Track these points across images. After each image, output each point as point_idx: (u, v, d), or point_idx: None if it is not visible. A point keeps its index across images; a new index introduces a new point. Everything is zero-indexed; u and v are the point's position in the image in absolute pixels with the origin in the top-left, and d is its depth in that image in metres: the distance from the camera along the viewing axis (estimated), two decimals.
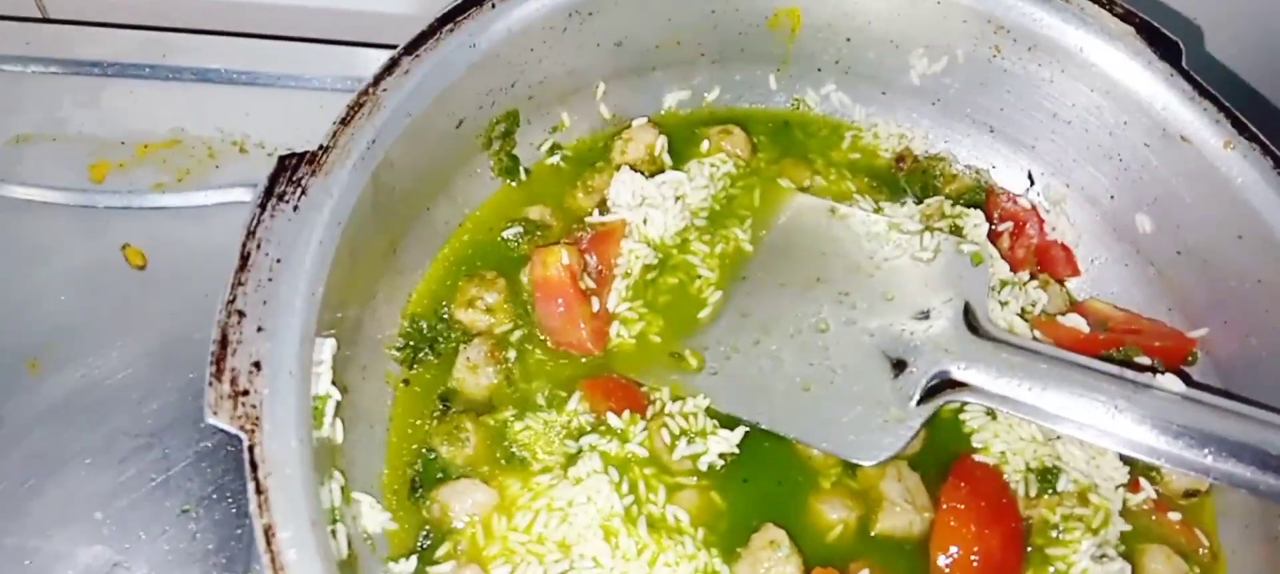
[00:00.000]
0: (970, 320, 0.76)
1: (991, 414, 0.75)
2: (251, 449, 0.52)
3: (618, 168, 0.84)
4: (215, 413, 0.52)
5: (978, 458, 0.73)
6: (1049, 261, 0.87)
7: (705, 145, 0.87)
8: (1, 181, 0.90)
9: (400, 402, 0.73)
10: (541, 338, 0.77)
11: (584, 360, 0.76)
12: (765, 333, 0.76)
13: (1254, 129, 0.76)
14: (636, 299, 0.78)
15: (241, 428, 0.52)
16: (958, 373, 0.74)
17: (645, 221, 0.79)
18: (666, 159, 0.85)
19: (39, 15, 1.03)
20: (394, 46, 0.99)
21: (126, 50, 0.98)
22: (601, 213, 0.82)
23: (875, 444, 0.71)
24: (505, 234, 0.81)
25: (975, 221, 0.83)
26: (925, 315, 0.77)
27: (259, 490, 0.51)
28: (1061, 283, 0.85)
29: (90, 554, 0.77)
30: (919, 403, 0.73)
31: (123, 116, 0.95)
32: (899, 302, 0.78)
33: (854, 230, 0.82)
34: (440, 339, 0.76)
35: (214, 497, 0.80)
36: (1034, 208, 0.87)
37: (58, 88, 0.96)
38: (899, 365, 0.75)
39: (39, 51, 0.98)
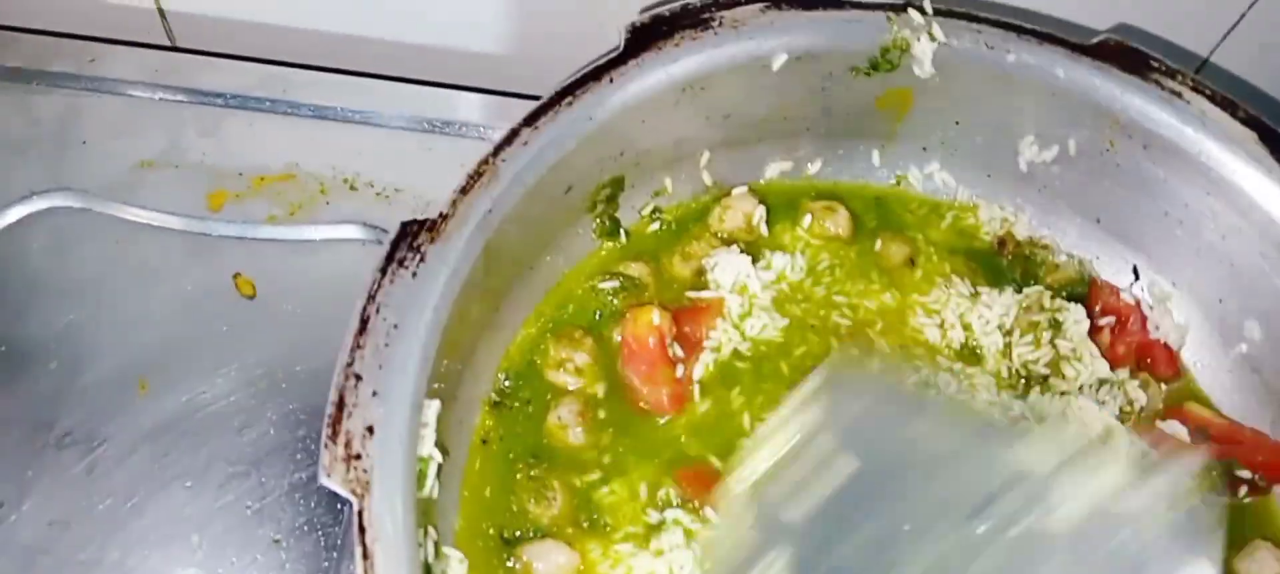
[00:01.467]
0: None
1: None
2: (360, 513, 0.53)
3: (716, 236, 0.85)
4: (329, 475, 0.54)
5: None
6: (1151, 361, 0.85)
7: (807, 220, 0.87)
8: (124, 204, 0.94)
9: (478, 455, 0.74)
10: (624, 396, 0.78)
11: (662, 421, 0.77)
12: None
13: None
14: (719, 377, 0.79)
15: (352, 491, 0.54)
16: None
17: (743, 314, 0.80)
18: (763, 230, 0.86)
19: (168, 43, 1.07)
20: (494, 92, 1.04)
21: (248, 83, 1.02)
22: (697, 284, 0.83)
23: None
24: (602, 286, 0.82)
25: (1076, 318, 0.81)
26: None
27: (366, 556, 0.53)
28: (1162, 384, 0.84)
29: None
30: None
31: (241, 148, 0.99)
32: None
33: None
34: (532, 395, 0.78)
35: (304, 529, 0.83)
36: (1138, 303, 0.86)
37: (182, 116, 1.00)
38: None
39: (166, 79, 1.02)
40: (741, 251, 0.84)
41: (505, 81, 1.05)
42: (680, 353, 0.79)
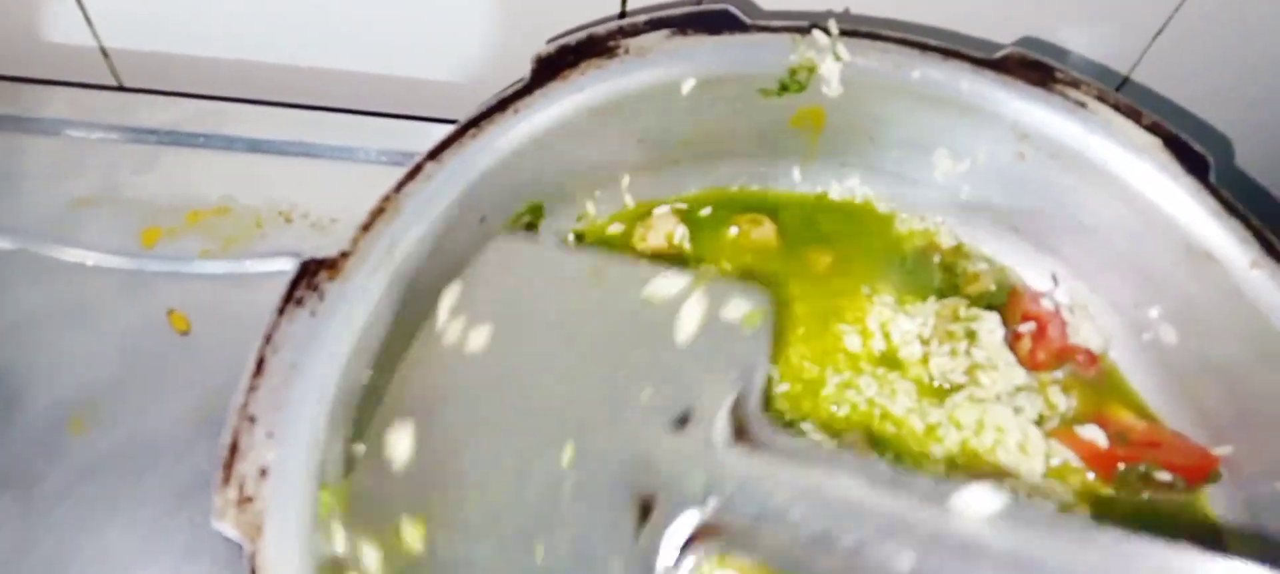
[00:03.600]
0: (739, 417, 0.59)
1: None
2: (252, 557, 0.54)
3: (639, 254, 0.86)
4: (221, 518, 0.55)
5: None
6: (1074, 366, 0.86)
7: (733, 231, 0.88)
8: (58, 244, 0.95)
9: None
10: None
11: None
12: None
13: None
14: None
15: (246, 535, 0.55)
16: (704, 513, 0.57)
17: None
18: (686, 246, 0.87)
19: (114, 83, 1.08)
20: (446, 121, 1.04)
21: (184, 119, 1.03)
22: None
23: None
24: None
25: (990, 326, 0.82)
26: (684, 421, 0.59)
27: None
28: (1082, 389, 0.84)
29: None
30: (674, 566, 0.56)
31: (176, 184, 0.99)
32: (656, 402, 0.61)
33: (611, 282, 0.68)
34: None
35: (238, 561, 0.83)
36: (1058, 310, 0.87)
37: (117, 154, 1.01)
38: (645, 508, 0.57)
39: (102, 118, 1.03)
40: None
41: (440, 109, 1.06)
42: None
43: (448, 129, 1.03)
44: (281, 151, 1.03)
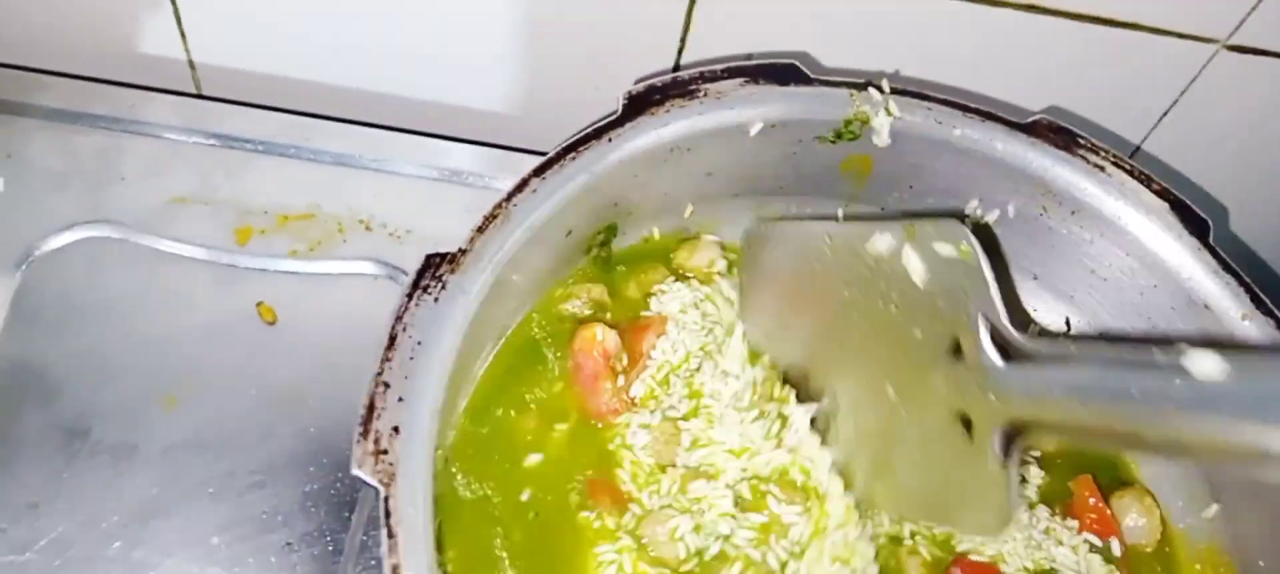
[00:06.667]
0: (1000, 339, 0.68)
1: None
2: (386, 501, 0.62)
3: (672, 270, 0.95)
4: (360, 467, 0.63)
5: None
6: None
7: None
8: (158, 236, 1.03)
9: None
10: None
11: (600, 427, 0.86)
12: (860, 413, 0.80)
13: (1270, 304, 0.85)
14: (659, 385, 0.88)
15: (380, 481, 0.63)
16: (1021, 413, 0.66)
17: (684, 328, 0.90)
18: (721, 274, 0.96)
19: (194, 91, 1.17)
20: (498, 146, 1.14)
21: (275, 131, 1.12)
22: (644, 307, 0.93)
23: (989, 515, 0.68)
24: (566, 308, 0.92)
25: None
26: (957, 351, 0.69)
27: (391, 535, 0.61)
28: None
29: None
30: (1005, 458, 0.67)
31: (267, 189, 1.08)
32: (928, 340, 0.72)
33: (848, 250, 0.80)
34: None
35: (315, 535, 0.91)
36: None
37: (212, 159, 1.09)
38: (966, 422, 0.69)
39: (198, 125, 1.11)
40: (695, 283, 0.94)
41: (507, 138, 1.16)
42: (626, 364, 0.89)
43: (510, 155, 1.14)
44: (362, 166, 1.12)
